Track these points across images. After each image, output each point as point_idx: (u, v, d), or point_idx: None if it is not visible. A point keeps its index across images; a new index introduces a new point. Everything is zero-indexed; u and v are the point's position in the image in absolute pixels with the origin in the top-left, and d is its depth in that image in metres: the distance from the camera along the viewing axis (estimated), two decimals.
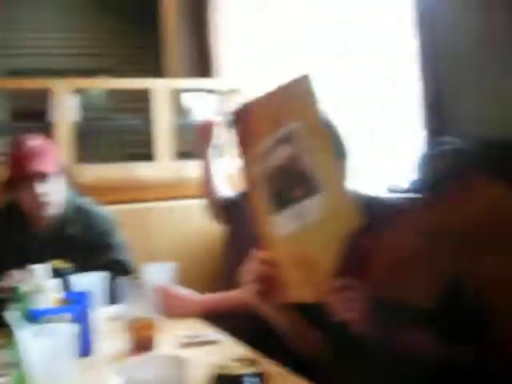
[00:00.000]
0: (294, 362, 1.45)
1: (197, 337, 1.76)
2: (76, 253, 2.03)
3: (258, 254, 1.41)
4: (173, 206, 3.88)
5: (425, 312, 1.31)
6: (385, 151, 2.76)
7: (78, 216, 2.31)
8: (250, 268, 1.42)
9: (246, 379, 0.87)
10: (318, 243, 1.28)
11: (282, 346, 1.55)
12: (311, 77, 1.26)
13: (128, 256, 2.33)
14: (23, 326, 1.28)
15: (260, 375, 0.88)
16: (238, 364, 0.91)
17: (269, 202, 1.38)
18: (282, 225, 1.35)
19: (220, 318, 1.97)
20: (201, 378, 0.94)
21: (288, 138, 1.32)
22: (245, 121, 1.44)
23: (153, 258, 3.30)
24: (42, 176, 2.20)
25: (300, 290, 1.34)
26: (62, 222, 2.28)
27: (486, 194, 1.51)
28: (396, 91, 2.72)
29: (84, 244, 2.25)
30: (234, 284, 1.98)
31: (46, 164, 2.20)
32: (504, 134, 1.99)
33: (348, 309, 1.25)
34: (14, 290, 1.59)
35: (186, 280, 2.35)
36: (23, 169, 2.18)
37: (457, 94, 2.18)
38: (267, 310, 1.52)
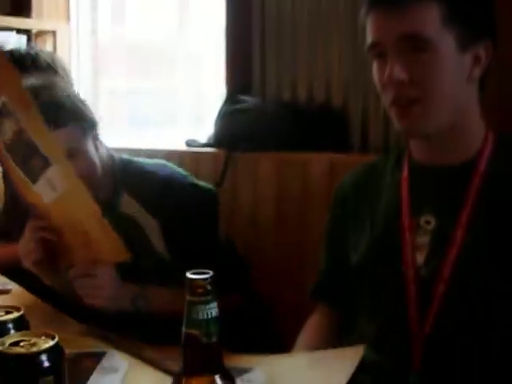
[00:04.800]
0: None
1: None
2: None
3: (33, 224, 1.41)
4: None
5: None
6: (187, 105, 2.73)
7: None
8: (28, 239, 1.40)
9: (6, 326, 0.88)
10: (79, 209, 1.32)
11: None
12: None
13: None
14: None
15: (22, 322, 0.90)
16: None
17: (22, 173, 1.37)
18: (43, 194, 1.34)
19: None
20: None
21: (5, 110, 1.32)
22: None
23: None
24: None
25: (81, 251, 1.37)
26: None
27: None
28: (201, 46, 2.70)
29: None
30: None
31: None
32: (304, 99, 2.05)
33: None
34: None
35: None
36: None
37: (262, 56, 2.19)
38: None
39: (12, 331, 0.86)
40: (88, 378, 1.10)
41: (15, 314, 0.89)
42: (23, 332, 0.81)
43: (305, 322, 1.42)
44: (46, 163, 1.29)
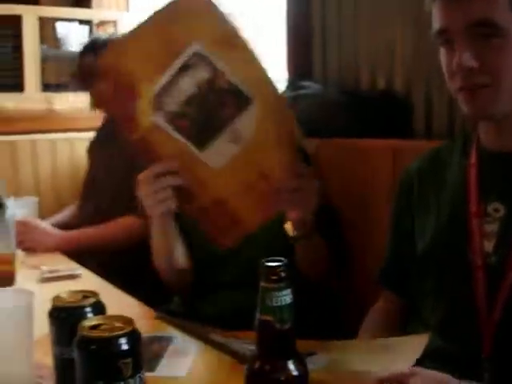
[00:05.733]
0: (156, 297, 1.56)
1: (58, 271, 1.77)
2: None
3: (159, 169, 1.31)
4: (39, 138, 3.51)
5: None
6: None
7: None
8: (155, 188, 1.31)
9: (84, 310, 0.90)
10: (265, 154, 1.26)
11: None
12: None
13: None
14: None
15: (99, 306, 0.92)
16: (76, 295, 0.94)
17: (189, 140, 1.27)
18: (217, 155, 1.27)
19: (83, 253, 2.04)
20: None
21: (195, 61, 1.23)
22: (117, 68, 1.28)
23: (18, 192, 3.13)
24: None
25: (255, 214, 1.30)
26: None
27: None
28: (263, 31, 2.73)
29: None
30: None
31: None
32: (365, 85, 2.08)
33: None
34: None
35: (50, 215, 2.56)
36: None
37: (323, 41, 2.21)
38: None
39: (89, 315, 0.89)
40: (158, 361, 1.13)
41: (93, 299, 0.92)
42: (101, 316, 0.83)
43: (368, 309, 1.43)
44: (242, 106, 1.25)
